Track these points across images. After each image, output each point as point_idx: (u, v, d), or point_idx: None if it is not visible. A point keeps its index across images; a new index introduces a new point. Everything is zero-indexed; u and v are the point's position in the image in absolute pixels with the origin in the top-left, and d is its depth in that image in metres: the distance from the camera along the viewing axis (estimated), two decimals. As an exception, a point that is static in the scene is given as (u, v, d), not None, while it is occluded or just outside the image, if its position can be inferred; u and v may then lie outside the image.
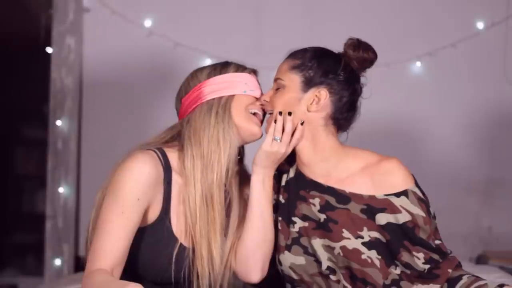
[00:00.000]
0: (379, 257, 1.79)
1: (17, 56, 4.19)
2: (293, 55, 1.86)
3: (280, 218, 1.89)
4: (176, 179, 1.78)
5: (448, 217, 3.36)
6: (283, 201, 1.90)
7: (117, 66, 3.42)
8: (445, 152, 3.40)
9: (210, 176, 1.77)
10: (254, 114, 1.85)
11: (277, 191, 1.92)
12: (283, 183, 1.92)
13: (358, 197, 1.80)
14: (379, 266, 1.79)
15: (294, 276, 1.88)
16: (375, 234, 1.79)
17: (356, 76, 1.84)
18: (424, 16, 3.40)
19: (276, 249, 1.89)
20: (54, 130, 3.41)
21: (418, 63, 3.37)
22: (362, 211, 1.79)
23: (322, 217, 1.82)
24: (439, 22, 3.39)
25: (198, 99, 1.82)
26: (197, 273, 1.77)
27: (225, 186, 1.81)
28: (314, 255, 1.83)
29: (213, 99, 1.81)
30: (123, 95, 3.43)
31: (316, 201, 1.82)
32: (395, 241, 1.78)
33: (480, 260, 3.11)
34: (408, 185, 1.79)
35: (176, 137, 1.84)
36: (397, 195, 1.78)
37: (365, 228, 1.80)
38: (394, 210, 1.78)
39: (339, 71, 1.81)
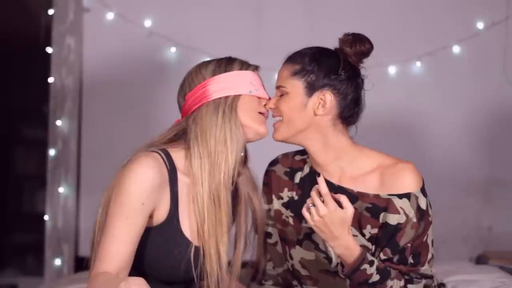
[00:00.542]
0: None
1: (17, 56, 4.19)
2: (291, 59, 1.85)
3: (292, 214, 1.90)
4: (182, 179, 1.78)
5: (448, 217, 3.36)
6: (296, 197, 1.91)
7: (117, 66, 3.41)
8: (445, 152, 3.40)
9: (217, 177, 1.77)
10: (261, 113, 1.85)
11: (290, 188, 1.92)
12: (297, 180, 1.92)
13: (364, 196, 1.81)
14: None
15: (302, 272, 1.89)
16: (375, 231, 1.81)
17: (357, 71, 1.85)
18: (424, 16, 3.40)
19: (288, 244, 1.90)
20: (54, 130, 3.41)
21: (418, 63, 3.37)
22: (366, 209, 1.81)
23: None
24: (439, 22, 3.39)
25: (203, 98, 1.81)
26: (206, 272, 1.77)
27: (231, 185, 1.82)
28: (325, 251, 1.84)
29: (220, 98, 1.80)
30: (123, 95, 3.43)
31: None
32: (383, 239, 1.80)
33: (480, 260, 3.11)
34: (414, 189, 1.79)
35: (181, 134, 1.84)
36: (400, 196, 1.78)
37: (368, 226, 1.81)
38: (393, 210, 1.78)
39: (340, 71, 1.81)
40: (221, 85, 1.81)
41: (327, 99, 1.80)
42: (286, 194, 1.93)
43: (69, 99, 3.39)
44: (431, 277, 1.85)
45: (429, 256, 1.84)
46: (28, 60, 3.98)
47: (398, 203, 1.78)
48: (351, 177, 1.84)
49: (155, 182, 1.71)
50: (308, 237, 1.87)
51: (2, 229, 4.26)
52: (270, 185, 1.98)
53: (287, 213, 1.92)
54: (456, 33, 3.35)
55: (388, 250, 1.78)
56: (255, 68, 1.88)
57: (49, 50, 3.39)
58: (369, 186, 1.82)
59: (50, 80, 3.39)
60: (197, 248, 1.78)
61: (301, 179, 1.92)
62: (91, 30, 3.42)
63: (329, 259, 1.85)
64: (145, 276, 1.73)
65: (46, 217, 3.41)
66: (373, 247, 1.82)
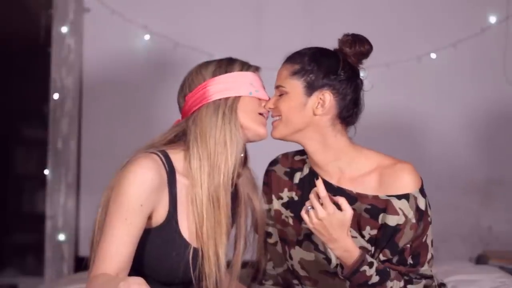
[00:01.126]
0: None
1: (17, 56, 4.19)
2: (291, 59, 1.85)
3: (292, 215, 1.90)
4: (181, 180, 1.78)
5: (448, 217, 3.36)
6: (296, 198, 1.91)
7: (117, 66, 3.42)
8: (445, 152, 3.40)
9: (217, 178, 1.77)
10: (261, 114, 1.85)
11: (290, 188, 1.92)
12: (296, 180, 1.92)
13: (363, 197, 1.81)
14: None
15: (301, 273, 1.89)
16: (374, 232, 1.81)
17: (356, 71, 1.85)
18: (424, 16, 3.40)
19: (288, 244, 1.90)
20: (54, 130, 3.41)
21: (418, 63, 3.37)
22: (366, 210, 1.81)
23: None
24: (439, 22, 3.39)
25: (203, 99, 1.81)
26: (205, 273, 1.77)
27: (231, 187, 1.82)
28: (324, 252, 1.84)
29: (220, 99, 1.80)
30: (123, 95, 3.43)
31: None
32: (382, 240, 1.80)
33: (480, 260, 3.11)
34: (412, 190, 1.79)
35: (181, 135, 1.83)
36: (399, 197, 1.78)
37: (367, 227, 1.81)
38: (392, 211, 1.78)
39: (339, 71, 1.81)
40: (221, 86, 1.81)
41: (326, 98, 1.80)
42: (286, 194, 1.93)
43: (69, 99, 3.39)
44: (430, 277, 1.85)
45: (429, 256, 1.84)
46: (28, 60, 3.98)
47: (397, 204, 1.78)
48: (350, 178, 1.84)
49: (154, 184, 1.71)
50: (308, 237, 1.87)
51: (2, 229, 4.26)
52: (270, 185, 1.98)
53: (286, 214, 1.92)
54: (456, 33, 3.35)
55: (387, 251, 1.78)
56: (256, 69, 1.88)
57: (49, 50, 3.39)
58: (368, 187, 1.82)
59: (50, 80, 3.39)
60: (195, 250, 1.78)
61: (301, 179, 1.92)
62: (91, 30, 3.42)
63: (328, 260, 1.86)
64: (144, 277, 1.73)
65: (46, 217, 3.41)
66: (372, 248, 1.82)
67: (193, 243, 1.78)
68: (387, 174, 1.80)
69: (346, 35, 1.83)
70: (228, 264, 1.86)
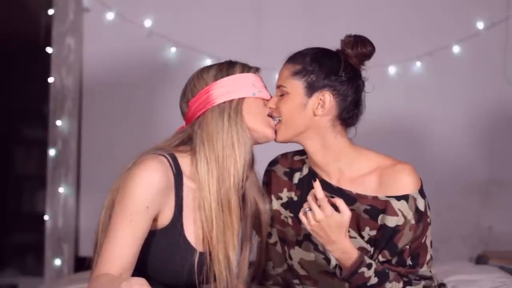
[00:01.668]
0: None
1: (17, 56, 4.19)
2: (293, 59, 1.85)
3: (291, 215, 1.90)
4: (187, 184, 1.78)
5: (448, 217, 3.36)
6: (295, 198, 1.91)
7: (117, 66, 3.42)
8: (445, 152, 3.40)
9: (227, 182, 1.76)
10: (269, 115, 1.85)
11: (289, 188, 1.92)
12: (295, 181, 1.92)
13: (363, 198, 1.81)
14: None
15: (301, 272, 1.89)
16: (373, 233, 1.81)
17: (357, 73, 1.85)
18: (424, 16, 3.40)
19: (287, 244, 1.90)
20: (54, 130, 3.41)
21: (418, 63, 3.37)
22: (365, 211, 1.80)
23: None
24: (439, 22, 3.39)
25: (207, 103, 1.80)
26: (214, 275, 1.77)
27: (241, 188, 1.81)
28: (324, 252, 1.84)
29: (224, 102, 1.79)
30: (123, 95, 3.43)
31: None
32: (381, 241, 1.80)
33: (480, 260, 3.11)
34: (412, 190, 1.79)
35: (187, 141, 1.82)
36: (398, 198, 1.78)
37: (367, 228, 1.81)
38: (392, 212, 1.78)
39: (340, 72, 1.81)
40: (224, 89, 1.80)
41: (326, 99, 1.80)
42: (285, 194, 1.93)
43: (69, 99, 3.39)
44: (430, 278, 1.85)
45: (428, 257, 1.83)
46: (28, 60, 3.98)
47: (396, 205, 1.78)
48: (349, 179, 1.84)
49: (160, 186, 1.70)
50: (308, 238, 1.87)
51: (2, 229, 4.26)
52: (269, 185, 1.98)
53: (286, 214, 1.92)
54: (456, 33, 3.35)
55: (386, 252, 1.78)
56: (256, 70, 1.88)
57: (49, 50, 3.39)
58: (368, 187, 1.82)
59: (50, 80, 3.39)
60: (201, 254, 1.77)
61: (300, 179, 1.92)
62: (91, 30, 3.42)
63: (328, 260, 1.85)
64: (148, 279, 1.72)
65: (46, 217, 3.41)
66: (372, 249, 1.82)
67: (199, 248, 1.78)
68: (387, 175, 1.80)
69: (349, 36, 1.83)
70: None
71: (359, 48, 1.81)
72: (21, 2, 3.98)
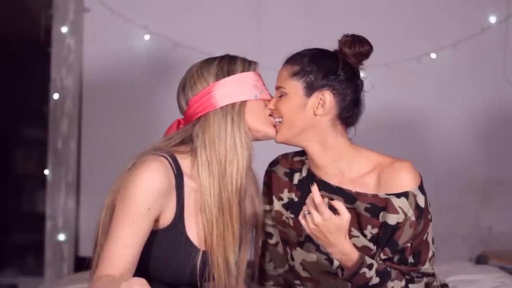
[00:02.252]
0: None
1: (17, 56, 4.19)
2: (291, 60, 1.85)
3: (292, 216, 1.90)
4: (189, 184, 1.77)
5: (448, 217, 3.36)
6: (296, 199, 1.91)
7: (117, 66, 3.42)
8: (445, 152, 3.40)
9: (229, 186, 1.76)
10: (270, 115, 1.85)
11: (290, 189, 1.93)
12: (295, 181, 1.92)
13: (363, 196, 1.81)
14: None
15: (303, 274, 1.89)
16: (375, 231, 1.81)
17: (356, 72, 1.85)
18: (424, 16, 3.40)
19: (289, 245, 1.90)
20: (54, 130, 3.41)
21: (418, 63, 3.37)
22: (366, 209, 1.81)
23: None
24: (439, 22, 3.39)
25: (209, 105, 1.78)
26: (213, 277, 1.77)
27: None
28: (326, 253, 1.84)
29: (227, 105, 1.78)
30: (123, 95, 3.43)
31: (325, 201, 1.83)
32: (382, 239, 1.80)
33: (480, 260, 3.11)
34: (411, 187, 1.79)
35: (187, 140, 1.81)
36: (398, 195, 1.78)
37: (369, 226, 1.81)
38: (392, 210, 1.78)
39: (339, 71, 1.81)
40: (226, 91, 1.79)
41: (326, 98, 1.80)
42: (286, 195, 1.93)
43: (69, 99, 3.39)
44: (432, 274, 1.85)
45: (430, 254, 1.83)
46: (28, 60, 3.98)
47: (396, 202, 1.78)
48: (350, 180, 1.84)
49: (162, 187, 1.70)
50: (309, 239, 1.87)
51: (2, 229, 4.27)
52: (270, 186, 1.98)
53: (287, 215, 1.92)
54: (456, 33, 3.35)
55: (387, 250, 1.78)
56: (255, 66, 1.86)
57: (49, 50, 3.39)
58: (368, 186, 1.82)
59: (50, 80, 3.39)
60: (204, 253, 1.77)
61: (300, 180, 1.92)
62: (91, 30, 3.42)
63: (330, 260, 1.85)
64: (150, 278, 1.72)
65: (46, 217, 3.41)
66: (374, 247, 1.82)
67: (202, 247, 1.77)
68: (386, 173, 1.81)
69: (346, 36, 1.83)
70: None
71: (357, 47, 1.81)
72: (21, 2, 3.98)
